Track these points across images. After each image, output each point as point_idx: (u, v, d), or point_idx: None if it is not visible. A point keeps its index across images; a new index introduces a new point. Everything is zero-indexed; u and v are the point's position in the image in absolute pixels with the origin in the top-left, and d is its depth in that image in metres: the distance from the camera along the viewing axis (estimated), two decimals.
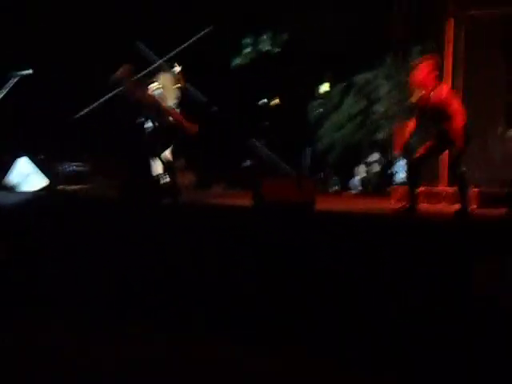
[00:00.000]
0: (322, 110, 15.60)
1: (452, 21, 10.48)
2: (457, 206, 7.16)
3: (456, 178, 7.22)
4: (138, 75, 11.97)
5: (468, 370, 3.80)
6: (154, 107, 8.50)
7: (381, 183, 13.91)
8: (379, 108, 14.53)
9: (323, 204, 7.00)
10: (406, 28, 13.10)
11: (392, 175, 13.70)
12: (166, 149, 8.56)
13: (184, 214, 6.62)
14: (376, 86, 14.61)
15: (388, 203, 8.23)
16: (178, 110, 9.49)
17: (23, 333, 4.39)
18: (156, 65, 11.59)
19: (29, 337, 4.29)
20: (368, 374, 3.74)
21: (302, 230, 5.60)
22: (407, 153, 8.52)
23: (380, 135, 14.44)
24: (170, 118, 8.55)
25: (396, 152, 9.55)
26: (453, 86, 9.39)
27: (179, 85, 9.03)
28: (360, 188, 14.68)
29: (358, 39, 13.43)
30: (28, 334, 4.37)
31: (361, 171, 15.02)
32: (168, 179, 8.33)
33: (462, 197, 7.06)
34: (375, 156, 14.81)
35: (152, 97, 8.66)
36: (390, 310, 4.42)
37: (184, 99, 9.99)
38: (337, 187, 15.03)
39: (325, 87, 15.54)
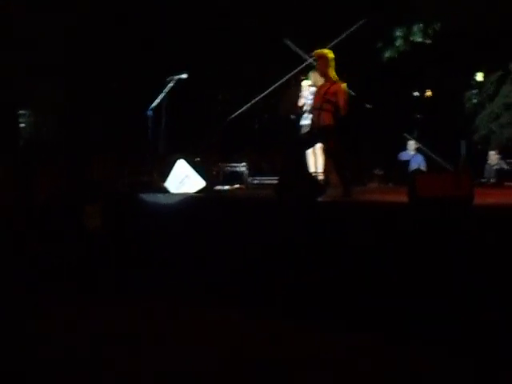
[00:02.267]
0: (476, 100, 15.20)
1: None
2: None
3: None
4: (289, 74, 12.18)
5: None
6: None
7: None
8: None
9: (481, 198, 6.81)
10: None
11: None
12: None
13: (338, 211, 6.63)
14: None
15: None
16: None
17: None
18: (307, 62, 11.72)
19: None
20: None
21: (460, 225, 5.48)
22: None
23: None
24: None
25: None
26: None
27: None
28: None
29: None
30: None
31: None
32: (320, 176, 8.38)
33: None
34: None
35: None
36: None
37: None
38: (493, 179, 14.52)
39: (479, 77, 15.10)
